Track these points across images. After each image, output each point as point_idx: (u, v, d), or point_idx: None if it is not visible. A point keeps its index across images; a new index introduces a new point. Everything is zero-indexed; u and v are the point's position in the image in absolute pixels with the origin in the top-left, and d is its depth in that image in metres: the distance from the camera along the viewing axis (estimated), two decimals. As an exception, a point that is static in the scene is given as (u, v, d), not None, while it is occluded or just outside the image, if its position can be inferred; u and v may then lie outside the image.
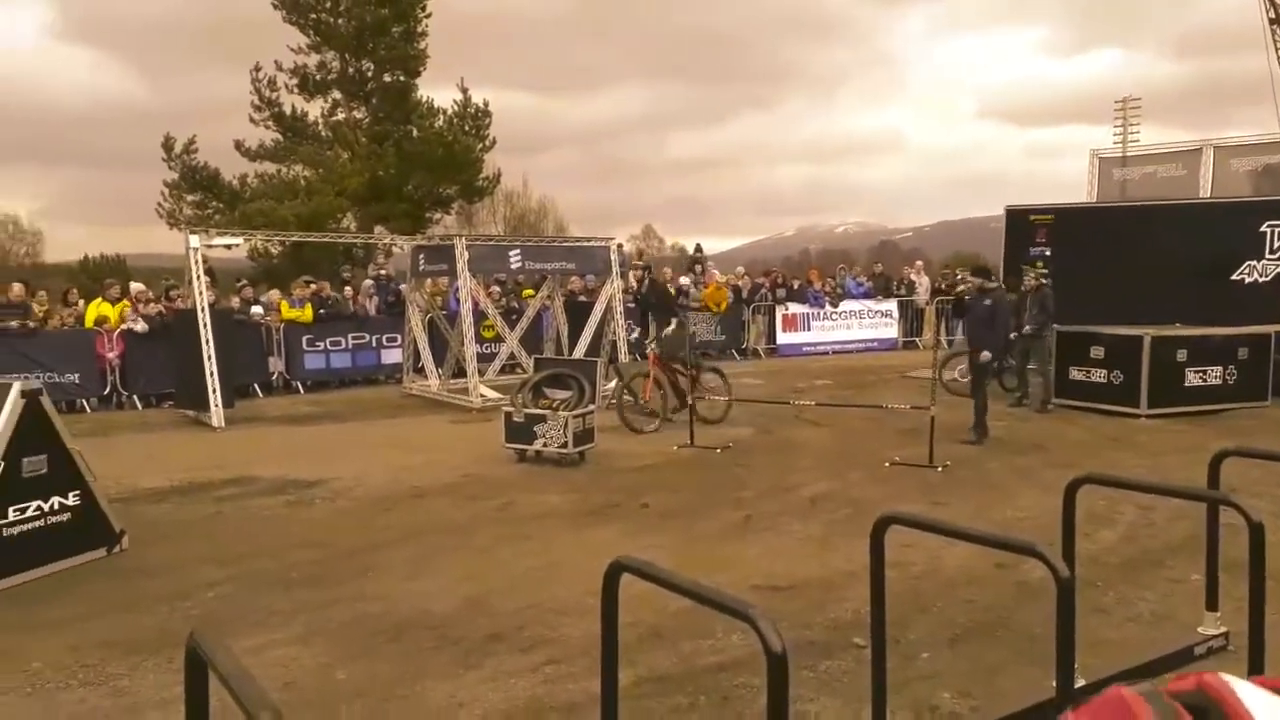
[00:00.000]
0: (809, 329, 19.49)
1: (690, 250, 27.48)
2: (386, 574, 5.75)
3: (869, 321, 20.01)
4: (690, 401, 10.39)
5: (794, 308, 19.34)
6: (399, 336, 15.49)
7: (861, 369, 16.51)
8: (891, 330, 20.10)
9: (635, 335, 14.23)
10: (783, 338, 19.20)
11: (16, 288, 13.59)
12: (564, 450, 8.78)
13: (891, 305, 20.15)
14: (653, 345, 11.70)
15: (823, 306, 19.57)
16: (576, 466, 8.79)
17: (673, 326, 12.28)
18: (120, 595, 5.35)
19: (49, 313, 13.34)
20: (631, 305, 14.89)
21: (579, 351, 13.77)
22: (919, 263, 22.14)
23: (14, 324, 12.66)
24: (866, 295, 20.14)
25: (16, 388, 5.65)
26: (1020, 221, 15.17)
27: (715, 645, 4.51)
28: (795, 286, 19.86)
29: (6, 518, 5.52)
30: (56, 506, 5.82)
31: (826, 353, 19.15)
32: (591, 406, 9.20)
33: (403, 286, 15.78)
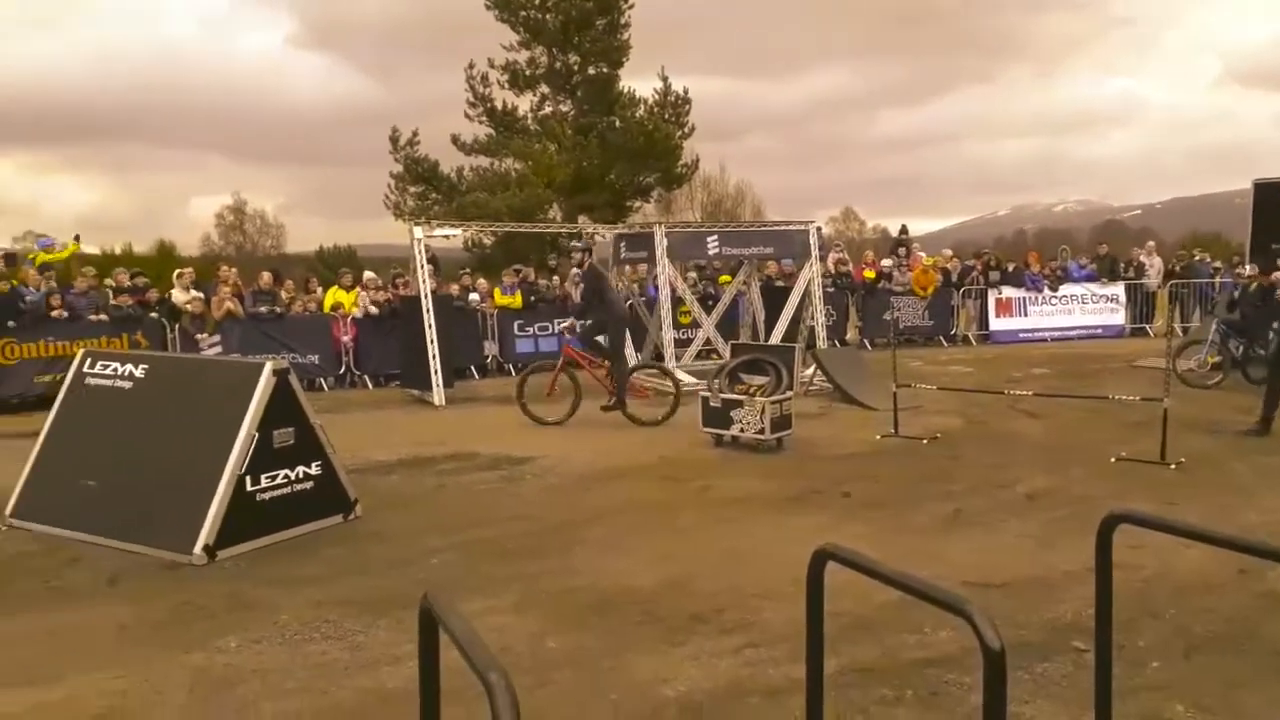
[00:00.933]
0: (1025, 314, 18.39)
1: (894, 232, 26.55)
2: (591, 549, 5.95)
3: (1092, 307, 18.64)
4: (620, 399, 10.35)
5: (1008, 292, 18.30)
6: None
7: (1084, 357, 15.41)
8: (1118, 316, 18.63)
9: (833, 319, 13.68)
10: (996, 323, 18.22)
11: (266, 276, 15.03)
12: (761, 436, 8.75)
13: (1118, 289, 18.67)
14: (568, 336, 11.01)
15: (1041, 290, 18.41)
16: (774, 453, 8.74)
17: (589, 323, 10.75)
18: (355, 559, 5.83)
19: (293, 299, 14.67)
20: (832, 290, 13.73)
21: (776, 337, 13.65)
22: (1150, 243, 20.35)
23: (263, 309, 14.03)
24: (1090, 278, 18.77)
25: (269, 367, 6.26)
26: (1272, 197, 13.65)
27: (923, 640, 4.38)
28: (1010, 269, 18.79)
29: (260, 484, 6.13)
30: (301, 475, 6.41)
31: (1045, 340, 18.01)
32: (789, 393, 9.11)
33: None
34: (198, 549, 5.68)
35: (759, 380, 9.24)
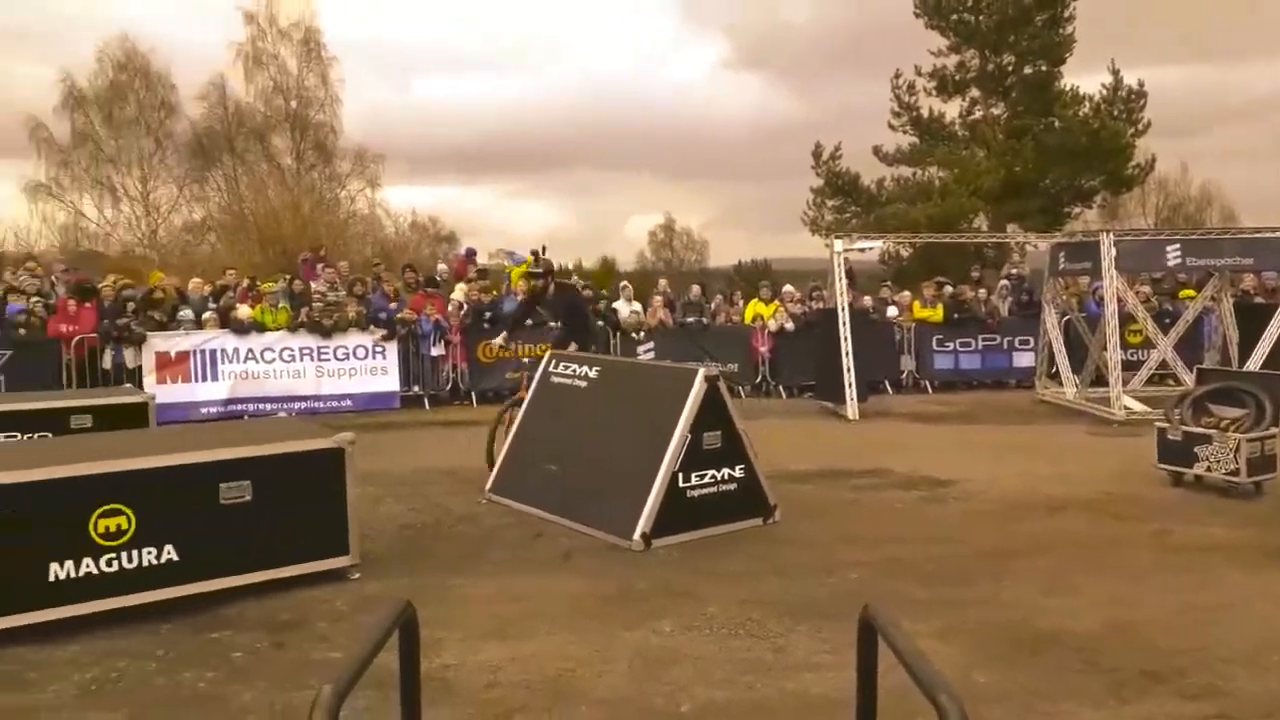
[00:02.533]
0: None
1: None
2: (1022, 583, 5.53)
3: None
4: None
5: None
6: (1032, 339, 14.81)
7: None
8: None
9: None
10: None
11: (695, 289, 16.06)
12: (1234, 479, 7.53)
13: None
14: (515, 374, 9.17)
15: None
16: (1250, 499, 7.48)
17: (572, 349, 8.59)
18: (776, 561, 5.99)
19: (717, 310, 15.50)
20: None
21: (1254, 363, 11.68)
22: None
23: (691, 319, 14.98)
24: None
25: (701, 373, 6.66)
26: None
27: None
28: None
29: (690, 482, 6.54)
30: (726, 477, 6.73)
31: None
32: (1274, 430, 7.74)
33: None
34: (636, 536, 6.20)
35: (1232, 413, 7.96)
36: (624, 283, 16.45)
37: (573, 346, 8.53)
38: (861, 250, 14.70)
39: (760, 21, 51.56)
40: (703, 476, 6.59)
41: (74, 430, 7.01)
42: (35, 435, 6.92)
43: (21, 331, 11.39)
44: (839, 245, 13.23)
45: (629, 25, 52.16)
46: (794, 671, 4.27)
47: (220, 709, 3.92)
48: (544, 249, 9.02)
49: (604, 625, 4.86)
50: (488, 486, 7.64)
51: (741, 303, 16.01)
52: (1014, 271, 17.12)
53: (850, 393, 12.39)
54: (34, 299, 12.01)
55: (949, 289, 16.05)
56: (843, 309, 12.74)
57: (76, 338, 11.61)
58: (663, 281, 16.60)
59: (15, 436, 6.88)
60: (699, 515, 6.53)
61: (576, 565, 5.97)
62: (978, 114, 27.40)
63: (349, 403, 13.01)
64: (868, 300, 15.80)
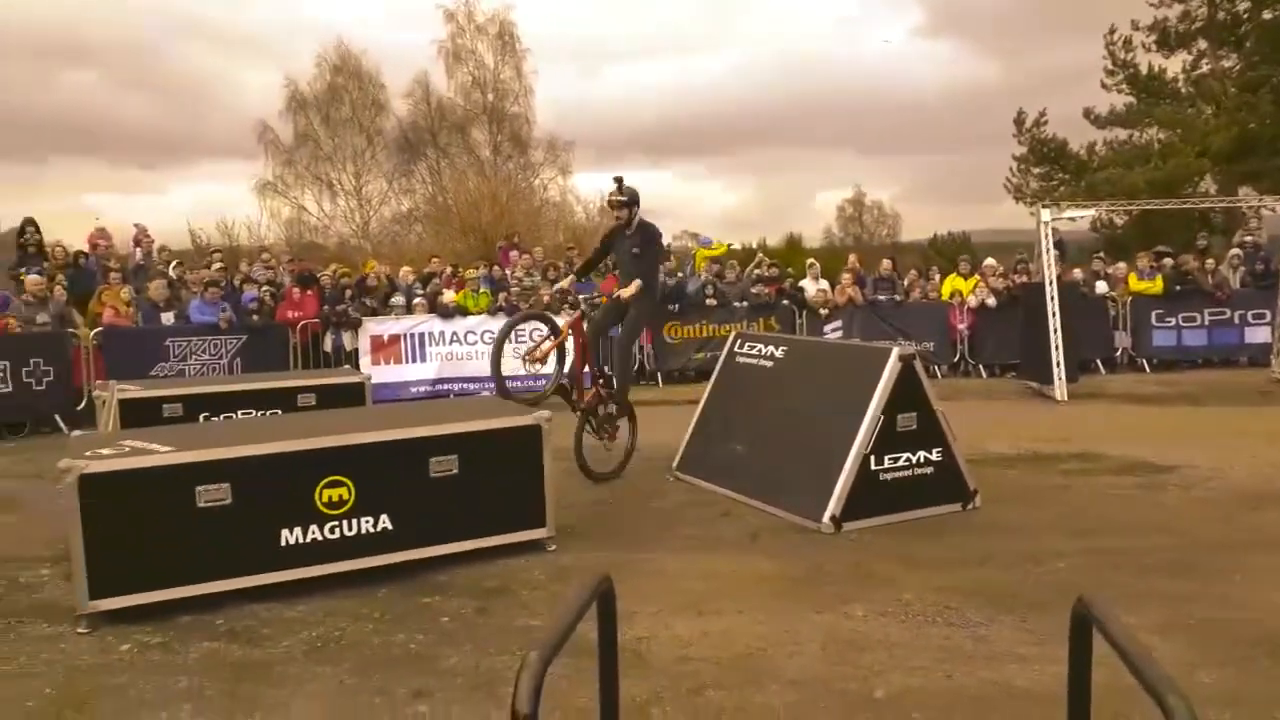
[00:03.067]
0: None
1: None
2: (1258, 579, 5.04)
3: None
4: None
5: None
6: (1268, 313, 13.41)
7: None
8: None
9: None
10: None
11: (886, 263, 15.54)
12: None
13: None
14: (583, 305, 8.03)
15: None
16: None
17: (632, 289, 7.54)
18: (976, 549, 5.73)
19: (911, 286, 14.94)
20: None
21: None
22: None
23: (883, 296, 14.53)
24: None
25: (895, 352, 6.45)
26: None
27: None
28: None
29: (883, 464, 6.36)
30: (922, 460, 6.50)
31: None
32: None
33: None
34: (826, 518, 6.11)
35: None
36: (811, 260, 16.16)
37: (635, 285, 7.46)
38: (1071, 219, 13.80)
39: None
40: (896, 459, 6.40)
41: (300, 408, 7.68)
42: (267, 412, 7.63)
43: (255, 318, 12.53)
44: (1046, 215, 12.46)
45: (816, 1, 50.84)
46: (996, 662, 4.08)
47: (430, 669, 4.18)
48: (621, 180, 7.79)
49: (794, 606, 4.82)
50: (674, 465, 7.73)
51: (938, 278, 15.38)
52: (1248, 239, 15.50)
53: (1059, 372, 11.67)
54: (265, 288, 13.17)
55: (1169, 260, 14.76)
56: (1050, 282, 11.99)
57: (301, 323, 12.64)
58: (852, 257, 16.17)
59: (250, 413, 7.61)
60: (892, 499, 6.35)
61: (764, 545, 5.94)
62: (1204, 68, 24.94)
63: (543, 382, 13.49)
64: (1078, 273, 14.80)
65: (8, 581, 5.43)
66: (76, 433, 6.40)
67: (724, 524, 6.43)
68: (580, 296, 8.19)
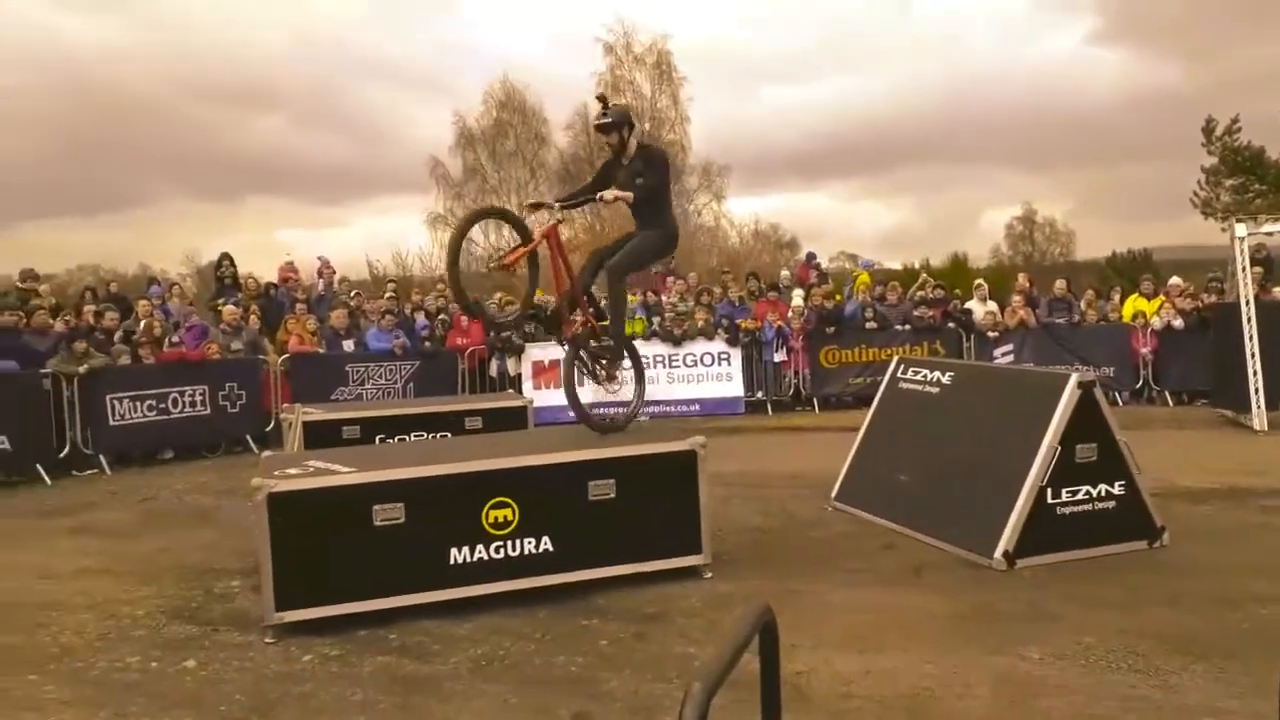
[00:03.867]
0: None
1: None
2: None
3: None
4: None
5: None
6: None
7: None
8: None
9: None
10: None
11: (1060, 284, 14.72)
12: None
13: None
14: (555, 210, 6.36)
15: None
16: None
17: (612, 194, 5.94)
18: (1163, 590, 5.32)
19: (1087, 307, 14.10)
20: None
21: None
22: None
23: (1058, 319, 13.76)
24: None
25: (1074, 379, 6.10)
26: None
27: None
28: None
29: (1060, 498, 6.00)
30: (1103, 494, 6.10)
31: None
32: None
33: None
34: (998, 554, 5.81)
35: None
36: (978, 280, 15.54)
37: (613, 193, 5.95)
38: (1269, 234, 12.71)
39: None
40: (1075, 493, 6.03)
41: (467, 430, 7.99)
42: (437, 434, 7.98)
43: (427, 344, 13.16)
44: (1241, 230, 11.52)
45: (982, 11, 49.00)
46: (1189, 715, 3.77)
47: (589, 691, 4.23)
48: (605, 100, 6.44)
49: (963, 646, 4.61)
50: (832, 494, 7.56)
51: (1118, 298, 14.47)
52: None
53: (1257, 399, 10.74)
54: (438, 316, 13.83)
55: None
56: (1247, 302, 11.07)
57: (469, 349, 13.19)
58: (1023, 276, 15.42)
59: (422, 435, 7.97)
60: (1071, 535, 5.99)
61: (930, 580, 5.71)
62: None
63: (696, 407, 13.53)
64: (1279, 291, 13.59)
65: (204, 592, 5.88)
66: (266, 453, 6.88)
67: (887, 556, 6.23)
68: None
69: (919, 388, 7.28)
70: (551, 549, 5.48)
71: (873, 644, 4.66)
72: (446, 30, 45.72)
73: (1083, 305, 14.03)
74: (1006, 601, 5.23)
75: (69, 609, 5.57)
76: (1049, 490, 5.93)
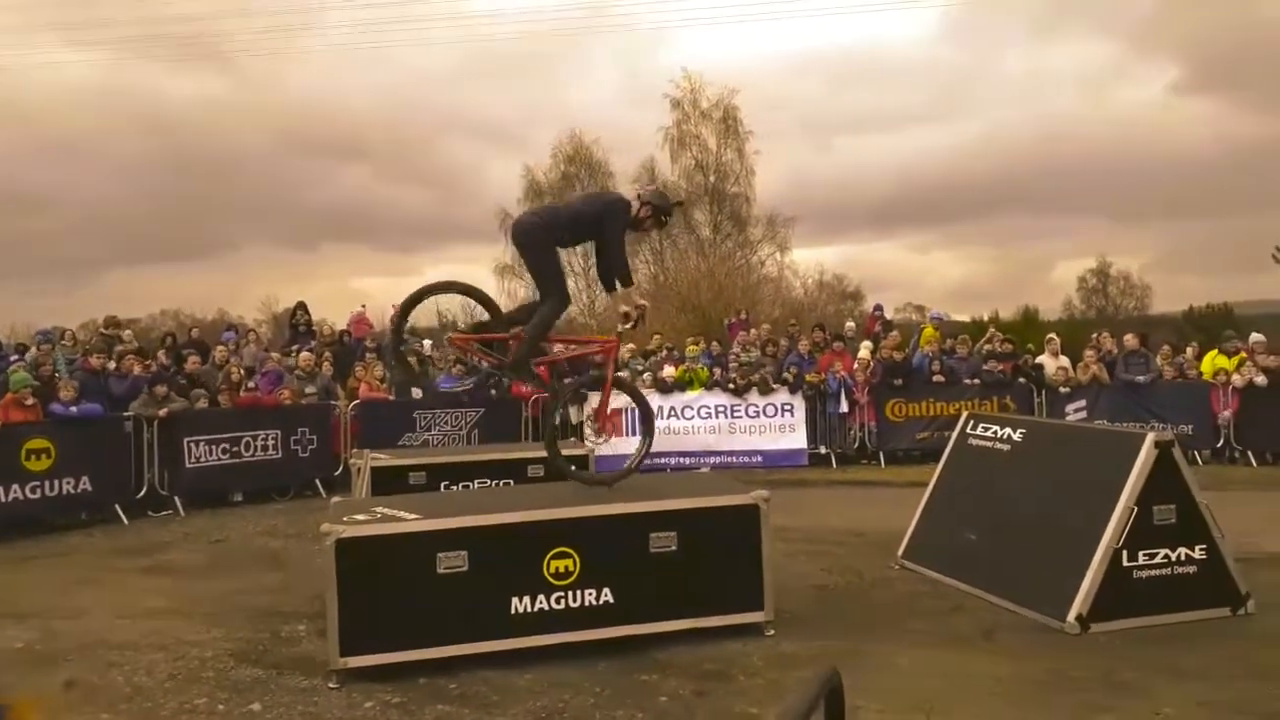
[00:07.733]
0: None
1: None
2: None
3: None
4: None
5: None
6: None
7: None
8: None
9: None
10: None
11: (1131, 339, 14.28)
12: None
13: None
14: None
15: None
16: None
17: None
18: (1250, 660, 5.09)
19: (1164, 361, 13.67)
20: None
21: None
22: None
23: (1140, 378, 13.30)
24: None
25: (1150, 438, 5.91)
26: None
27: None
28: None
29: (1137, 560, 5.79)
30: (1183, 557, 5.88)
31: None
32: None
33: None
34: (1071, 617, 5.62)
35: None
36: (1050, 335, 15.20)
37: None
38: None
39: (1225, 37, 45.41)
40: (1153, 555, 5.83)
41: (530, 479, 8.03)
42: (500, 482, 8.04)
43: (493, 393, 13.32)
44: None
45: (1064, 60, 48.35)
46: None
47: (650, 748, 4.18)
48: None
49: (1035, 713, 4.45)
50: (899, 552, 7.40)
51: (1195, 354, 14.02)
52: None
53: (1347, 462, 10.26)
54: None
55: None
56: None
57: (533, 396, 13.31)
58: (1105, 336, 14.96)
59: (485, 482, 8.05)
60: (1148, 600, 5.77)
61: (1001, 643, 5.54)
62: None
63: (759, 459, 13.39)
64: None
65: (271, 634, 5.97)
66: (335, 498, 7.00)
67: (956, 618, 6.06)
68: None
69: (989, 444, 7.13)
70: (612, 600, 5.45)
71: (942, 708, 4.52)
72: (525, 87, 46.95)
73: (1156, 360, 13.62)
74: (1080, 668, 5.05)
75: (141, 649, 5.71)
76: (1125, 552, 5.73)
